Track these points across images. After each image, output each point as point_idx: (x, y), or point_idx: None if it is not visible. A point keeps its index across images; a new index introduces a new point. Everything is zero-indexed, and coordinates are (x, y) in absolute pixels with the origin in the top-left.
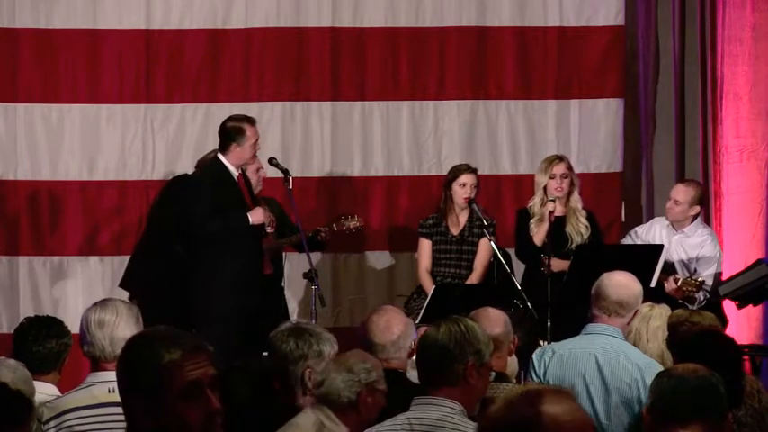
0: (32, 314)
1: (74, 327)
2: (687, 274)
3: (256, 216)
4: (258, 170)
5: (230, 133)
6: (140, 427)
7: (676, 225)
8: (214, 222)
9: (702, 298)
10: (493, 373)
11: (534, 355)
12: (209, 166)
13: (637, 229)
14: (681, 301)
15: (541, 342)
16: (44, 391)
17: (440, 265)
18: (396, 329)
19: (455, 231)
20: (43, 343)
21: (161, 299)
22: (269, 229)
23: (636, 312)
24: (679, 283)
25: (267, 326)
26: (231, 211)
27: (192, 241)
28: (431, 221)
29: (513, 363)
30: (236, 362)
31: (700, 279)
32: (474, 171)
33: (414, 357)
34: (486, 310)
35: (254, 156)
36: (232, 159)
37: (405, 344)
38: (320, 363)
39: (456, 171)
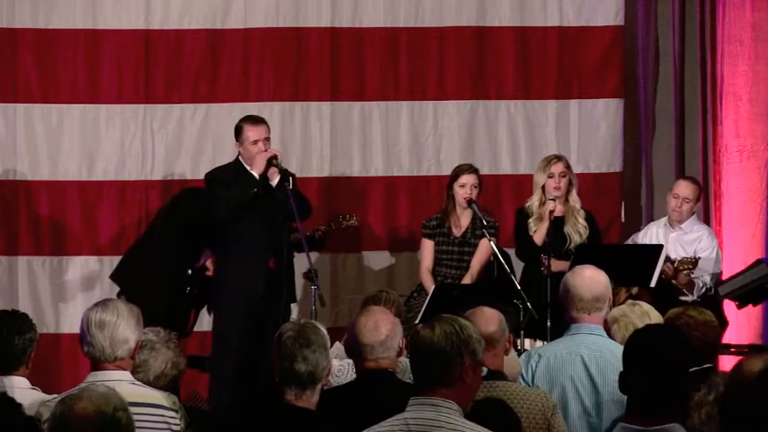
0: (31, 314)
1: (73, 327)
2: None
3: (257, 166)
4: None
5: (234, 132)
6: None
7: (674, 222)
8: (227, 199)
9: (702, 285)
10: (485, 370)
11: (521, 360)
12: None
13: (634, 236)
14: (684, 292)
15: (518, 342)
16: (18, 385)
17: (441, 266)
18: (384, 329)
19: (457, 232)
20: (6, 340)
21: (149, 299)
22: (278, 160)
23: (609, 301)
24: (675, 264)
25: (267, 326)
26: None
27: (217, 236)
28: (434, 222)
29: (514, 363)
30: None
31: (695, 258)
32: (475, 171)
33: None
34: (480, 309)
35: (266, 161)
36: (244, 158)
37: (393, 343)
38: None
39: (457, 171)
